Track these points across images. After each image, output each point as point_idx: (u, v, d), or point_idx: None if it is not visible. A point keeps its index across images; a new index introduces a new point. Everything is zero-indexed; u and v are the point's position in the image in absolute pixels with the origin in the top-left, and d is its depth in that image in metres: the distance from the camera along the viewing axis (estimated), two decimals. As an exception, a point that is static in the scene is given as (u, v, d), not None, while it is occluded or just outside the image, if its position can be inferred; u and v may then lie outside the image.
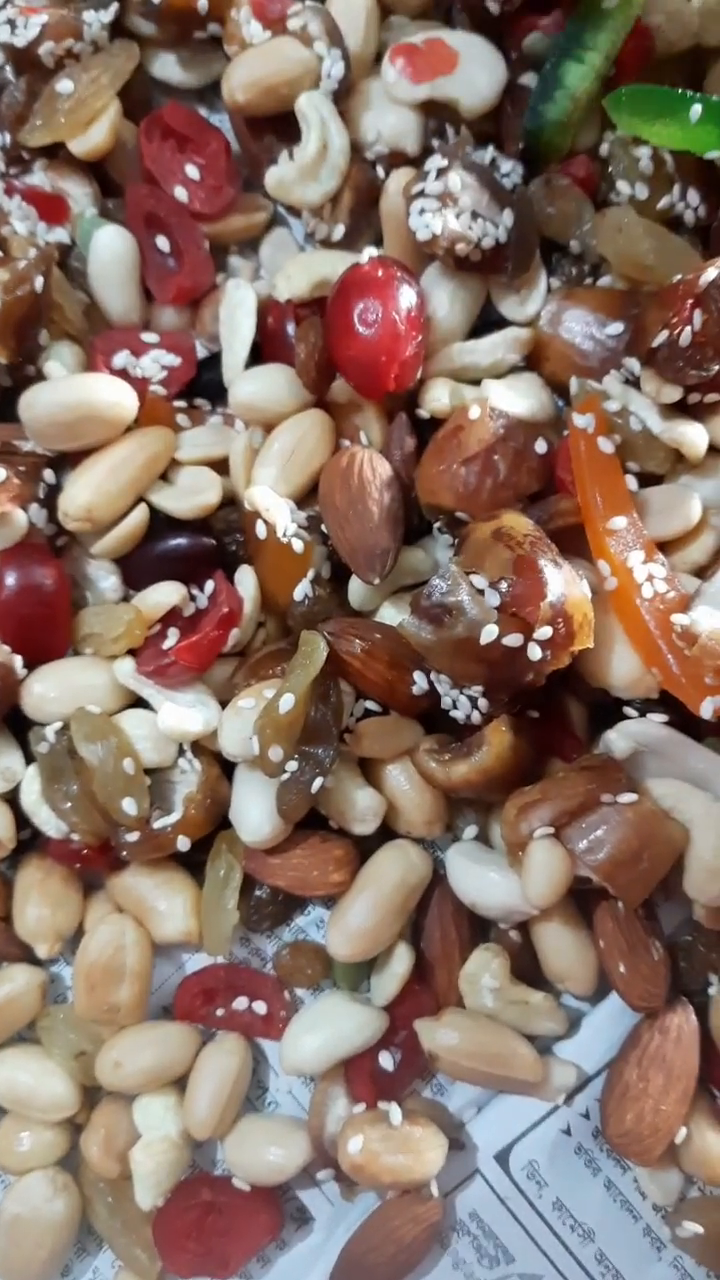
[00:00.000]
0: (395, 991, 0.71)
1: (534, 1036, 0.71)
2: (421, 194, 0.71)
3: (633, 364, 0.70)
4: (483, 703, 0.67)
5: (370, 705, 0.71)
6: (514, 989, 0.70)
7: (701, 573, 0.69)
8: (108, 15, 0.76)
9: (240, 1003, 0.73)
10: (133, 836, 0.70)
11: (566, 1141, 0.72)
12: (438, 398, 0.72)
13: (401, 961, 0.71)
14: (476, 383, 0.73)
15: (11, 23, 0.75)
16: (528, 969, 0.72)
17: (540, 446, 0.70)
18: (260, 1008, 0.73)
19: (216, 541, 0.73)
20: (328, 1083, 0.72)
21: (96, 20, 0.75)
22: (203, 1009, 0.73)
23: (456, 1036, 0.69)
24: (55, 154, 0.77)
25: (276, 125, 0.75)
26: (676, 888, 0.70)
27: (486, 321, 0.76)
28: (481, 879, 0.70)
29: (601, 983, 0.71)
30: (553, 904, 0.67)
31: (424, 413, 0.73)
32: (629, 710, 0.70)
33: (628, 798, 0.67)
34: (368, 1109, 0.70)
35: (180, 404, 0.76)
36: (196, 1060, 0.72)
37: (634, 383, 0.71)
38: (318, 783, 0.67)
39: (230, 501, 0.74)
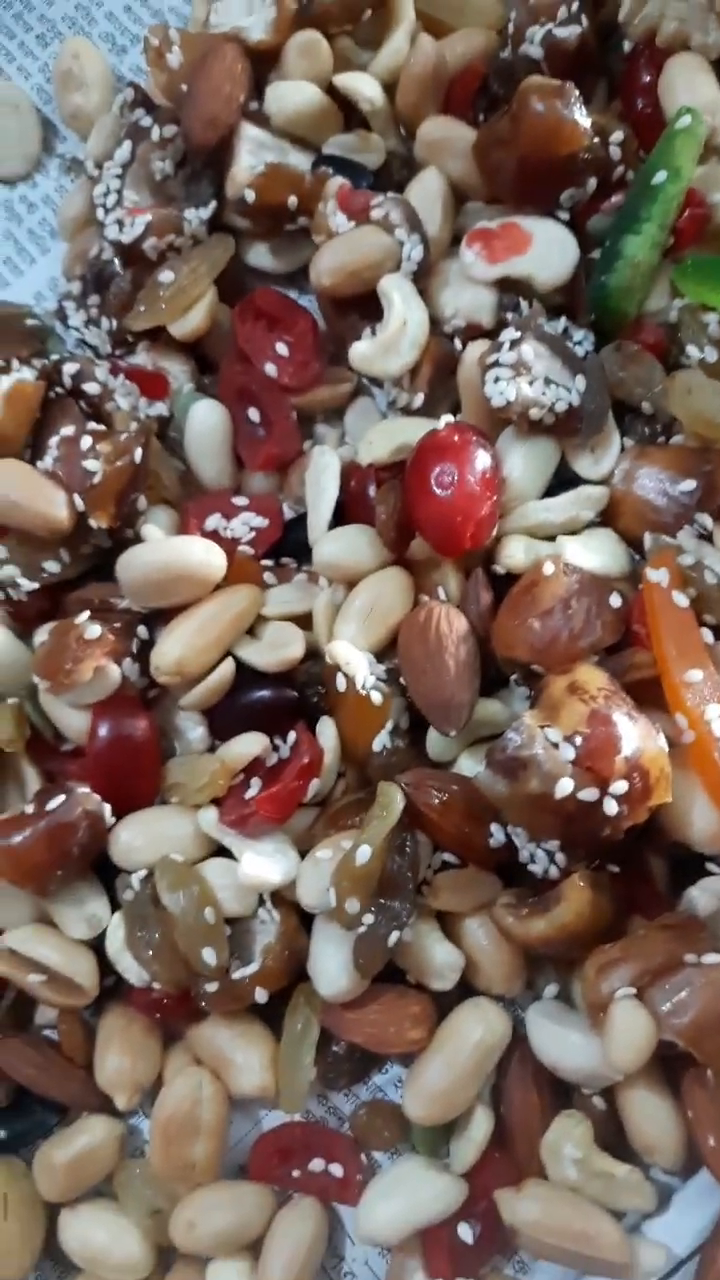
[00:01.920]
0: (474, 1159, 0.69)
1: (621, 1213, 0.68)
2: (496, 364, 0.75)
3: (705, 519, 0.71)
4: (560, 857, 0.67)
5: (448, 857, 0.72)
6: (598, 1160, 0.67)
7: (782, 726, 0.68)
8: (206, 213, 0.83)
9: (316, 1164, 0.72)
10: (212, 986, 0.70)
11: (658, 1330, 0.68)
12: (513, 554, 0.74)
13: (480, 1127, 0.69)
14: (552, 539, 0.75)
15: (120, 222, 0.82)
16: (614, 1138, 0.69)
17: (615, 600, 0.71)
18: (337, 1170, 0.71)
19: (299, 693, 0.75)
20: (404, 1254, 0.69)
21: (196, 217, 0.83)
22: (278, 1169, 0.72)
23: (537, 1210, 0.66)
24: (157, 336, 0.83)
25: (360, 304, 0.80)
26: (772, 1054, 0.67)
27: (563, 479, 0.78)
28: (563, 1041, 0.68)
29: (692, 1156, 0.68)
30: (637, 1069, 0.65)
31: (500, 568, 0.75)
32: (712, 866, 0.68)
33: (712, 958, 0.65)
34: (445, 1285, 0.67)
35: (268, 563, 0.80)
36: (271, 1224, 0.71)
37: (708, 537, 0.72)
38: (394, 936, 0.67)
39: (313, 655, 0.76)
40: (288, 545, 0.81)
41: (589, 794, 0.62)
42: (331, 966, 0.69)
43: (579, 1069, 0.68)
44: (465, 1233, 0.68)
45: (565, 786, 0.62)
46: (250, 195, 0.81)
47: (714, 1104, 0.66)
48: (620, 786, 0.62)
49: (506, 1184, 0.68)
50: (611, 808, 0.63)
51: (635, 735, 0.64)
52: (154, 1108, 0.72)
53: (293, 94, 0.82)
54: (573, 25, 0.79)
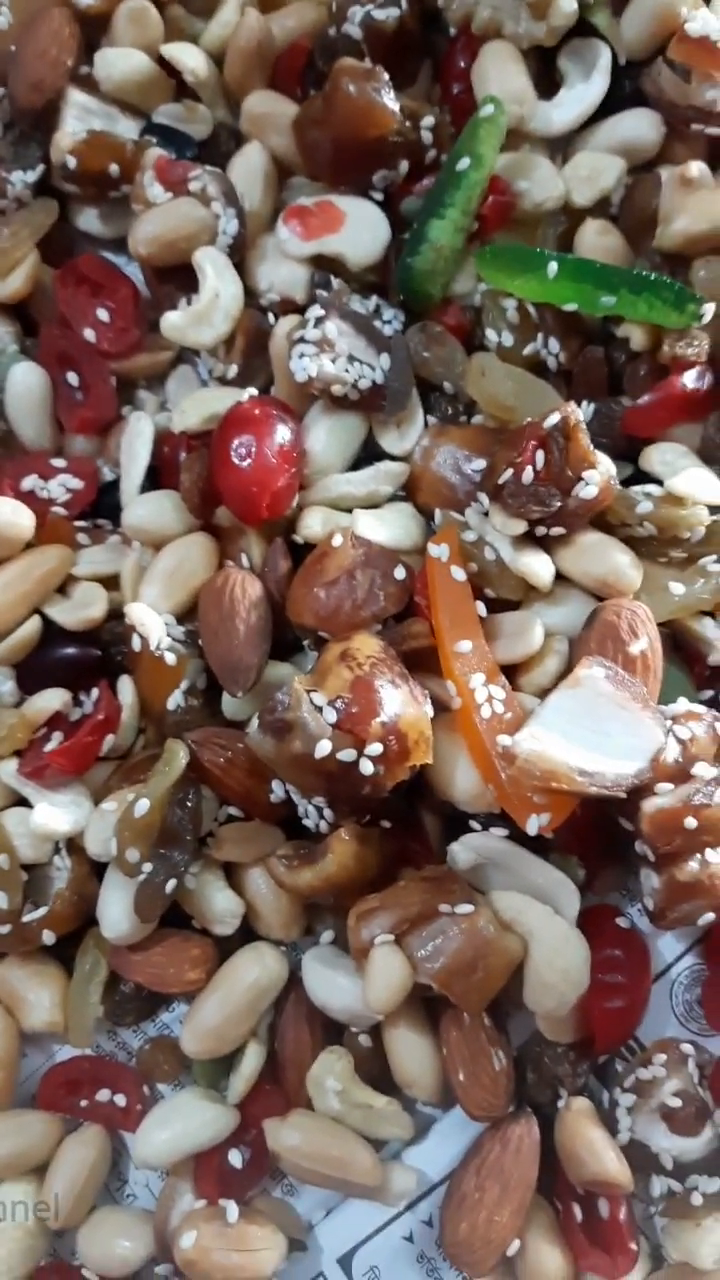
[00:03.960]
0: (245, 1090, 0.73)
1: (383, 1142, 0.73)
2: (301, 340, 0.78)
3: (484, 498, 0.75)
4: (328, 813, 0.71)
5: (234, 811, 0.75)
6: (358, 1092, 0.72)
7: (545, 696, 0.73)
8: (32, 176, 0.84)
9: (103, 1094, 0.76)
10: (4, 928, 0.74)
11: (409, 1249, 0.74)
12: (310, 525, 0.77)
13: (251, 1062, 0.73)
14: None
15: (-57, 182, 0.84)
16: (380, 1073, 0.74)
17: (400, 573, 0.75)
18: (121, 1100, 0.76)
19: (104, 652, 0.79)
20: (176, 1178, 0.74)
21: (21, 180, 0.84)
22: (66, 1099, 0.76)
23: (298, 1137, 0.71)
24: (-19, 296, 0.85)
25: (179, 274, 0.82)
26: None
27: (372, 454, 0.81)
28: (331, 983, 0.73)
29: (450, 1089, 0.73)
30: (391, 1009, 0.70)
31: (299, 538, 0.78)
32: (474, 824, 0.73)
33: (464, 908, 0.70)
34: (208, 1205, 0.72)
35: (84, 524, 0.82)
36: (57, 1150, 0.75)
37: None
38: (172, 884, 0.71)
39: (121, 614, 0.79)
40: (105, 508, 0.83)
41: (347, 755, 0.66)
42: (116, 911, 0.73)
43: (346, 1009, 0.73)
44: (235, 1158, 0.73)
45: (324, 747, 0.66)
46: (72, 161, 0.82)
47: (465, 1043, 0.72)
48: (376, 749, 0.66)
49: (277, 1114, 0.73)
50: (368, 768, 0.67)
51: (396, 701, 0.68)
52: (-51, 1041, 0.75)
53: (121, 61, 0.84)
54: (391, 8, 0.81)
